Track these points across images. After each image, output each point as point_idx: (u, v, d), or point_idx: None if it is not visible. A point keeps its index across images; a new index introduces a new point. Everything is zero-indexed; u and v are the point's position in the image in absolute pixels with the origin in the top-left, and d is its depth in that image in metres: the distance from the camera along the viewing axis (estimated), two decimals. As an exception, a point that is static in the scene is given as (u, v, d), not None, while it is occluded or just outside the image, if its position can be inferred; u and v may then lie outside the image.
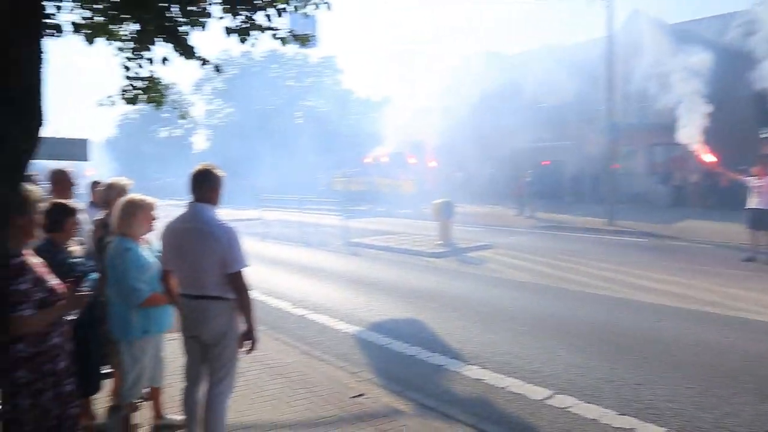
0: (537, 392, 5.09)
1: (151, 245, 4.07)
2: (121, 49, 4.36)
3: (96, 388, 4.13)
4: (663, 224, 17.42)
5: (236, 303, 3.48)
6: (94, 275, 3.77)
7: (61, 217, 3.98)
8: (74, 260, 3.98)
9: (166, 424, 4.21)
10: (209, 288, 3.43)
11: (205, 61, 4.21)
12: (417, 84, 29.95)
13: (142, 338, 3.87)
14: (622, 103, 22.18)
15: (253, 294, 8.98)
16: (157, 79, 4.57)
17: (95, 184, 5.93)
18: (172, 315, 4.10)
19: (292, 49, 56.36)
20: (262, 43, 7.44)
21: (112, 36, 4.25)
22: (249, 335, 3.50)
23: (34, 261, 3.03)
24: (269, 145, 44.72)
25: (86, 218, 5.09)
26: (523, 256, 12.32)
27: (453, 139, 30.95)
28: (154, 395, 4.21)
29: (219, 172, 3.64)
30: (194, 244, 3.42)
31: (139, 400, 4.14)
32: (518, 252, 12.96)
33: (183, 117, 4.96)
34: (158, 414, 4.24)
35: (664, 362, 5.75)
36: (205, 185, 3.56)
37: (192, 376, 3.66)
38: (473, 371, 5.63)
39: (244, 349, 3.54)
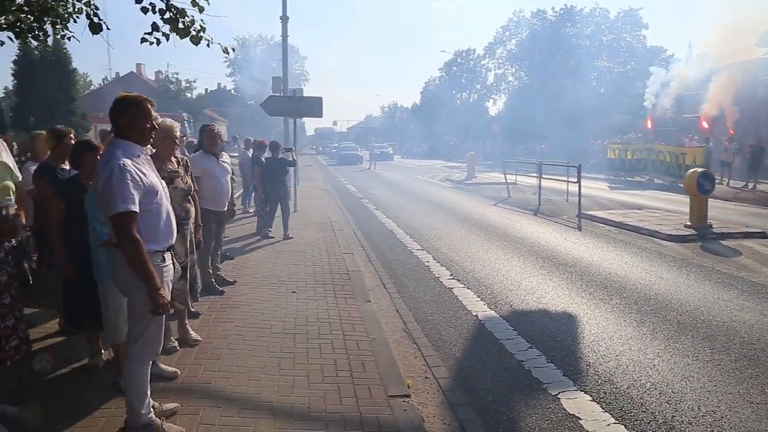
0: (647, 459, 3.28)
1: None
2: None
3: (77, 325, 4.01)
4: None
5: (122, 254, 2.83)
6: None
7: None
8: None
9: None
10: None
11: None
12: (728, 36, 24.08)
13: (112, 281, 3.53)
14: None
15: (422, 257, 8.42)
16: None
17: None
18: None
19: (590, 3, 52.17)
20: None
21: None
22: (149, 295, 2.83)
23: None
24: (558, 109, 41.98)
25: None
26: (807, 256, 8.83)
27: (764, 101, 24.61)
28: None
29: (137, 99, 2.97)
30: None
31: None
32: (803, 249, 9.37)
33: (225, 51, 4.75)
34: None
35: None
36: (119, 116, 2.95)
37: None
38: (576, 402, 3.95)
39: (150, 309, 2.89)
